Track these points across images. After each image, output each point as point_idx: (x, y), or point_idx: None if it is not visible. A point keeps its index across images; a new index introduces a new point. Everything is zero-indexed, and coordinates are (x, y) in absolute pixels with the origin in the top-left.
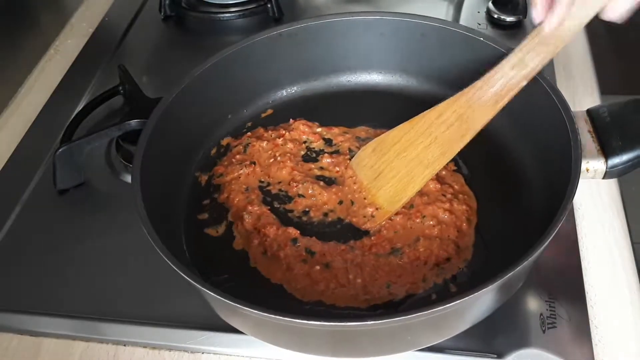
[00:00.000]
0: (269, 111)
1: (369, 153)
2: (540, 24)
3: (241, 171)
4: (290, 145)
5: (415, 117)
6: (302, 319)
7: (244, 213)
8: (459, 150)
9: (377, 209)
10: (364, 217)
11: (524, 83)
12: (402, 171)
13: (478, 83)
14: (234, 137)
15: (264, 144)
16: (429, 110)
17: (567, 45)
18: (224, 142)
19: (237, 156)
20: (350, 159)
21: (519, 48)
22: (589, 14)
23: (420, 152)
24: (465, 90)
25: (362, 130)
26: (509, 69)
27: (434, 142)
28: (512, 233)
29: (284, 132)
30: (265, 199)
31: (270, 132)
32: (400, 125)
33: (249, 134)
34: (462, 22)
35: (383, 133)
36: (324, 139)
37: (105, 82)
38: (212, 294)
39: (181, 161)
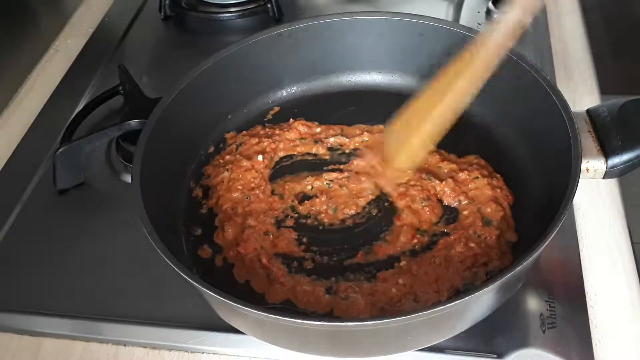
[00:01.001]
0: (276, 109)
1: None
2: None
3: (224, 174)
4: (281, 145)
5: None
6: (302, 319)
7: (226, 224)
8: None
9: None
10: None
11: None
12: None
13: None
14: (239, 132)
15: (254, 141)
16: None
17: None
18: (229, 135)
19: (227, 157)
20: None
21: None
22: None
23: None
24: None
25: (359, 129)
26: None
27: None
28: None
29: (279, 131)
30: None
31: (268, 130)
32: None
33: (244, 132)
34: (462, 22)
35: (380, 131)
36: (315, 141)
37: (105, 82)
38: (212, 294)
39: (181, 161)
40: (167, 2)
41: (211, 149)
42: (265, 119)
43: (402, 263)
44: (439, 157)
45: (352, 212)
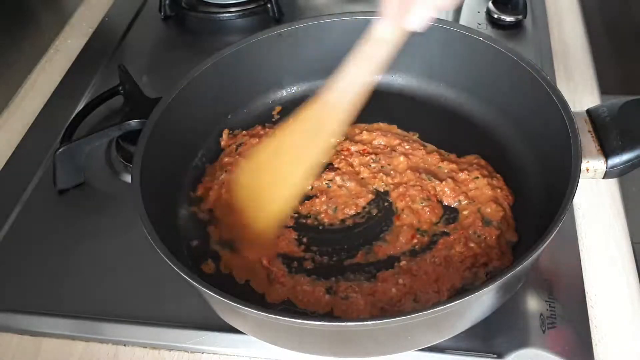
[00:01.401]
0: (278, 108)
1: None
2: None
3: (224, 175)
4: None
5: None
6: (302, 319)
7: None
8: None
9: None
10: None
11: (373, 77)
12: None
13: (329, 84)
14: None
15: (254, 141)
16: (288, 122)
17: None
18: (235, 132)
19: (226, 159)
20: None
21: (362, 47)
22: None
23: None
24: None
25: (359, 129)
26: (354, 68)
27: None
28: None
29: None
30: None
31: (267, 129)
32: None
33: (244, 132)
34: (462, 22)
35: (378, 130)
36: None
37: (105, 82)
38: (212, 294)
39: (181, 161)
40: (167, 2)
41: (211, 149)
42: (273, 119)
43: (402, 263)
44: (439, 157)
45: (352, 212)
